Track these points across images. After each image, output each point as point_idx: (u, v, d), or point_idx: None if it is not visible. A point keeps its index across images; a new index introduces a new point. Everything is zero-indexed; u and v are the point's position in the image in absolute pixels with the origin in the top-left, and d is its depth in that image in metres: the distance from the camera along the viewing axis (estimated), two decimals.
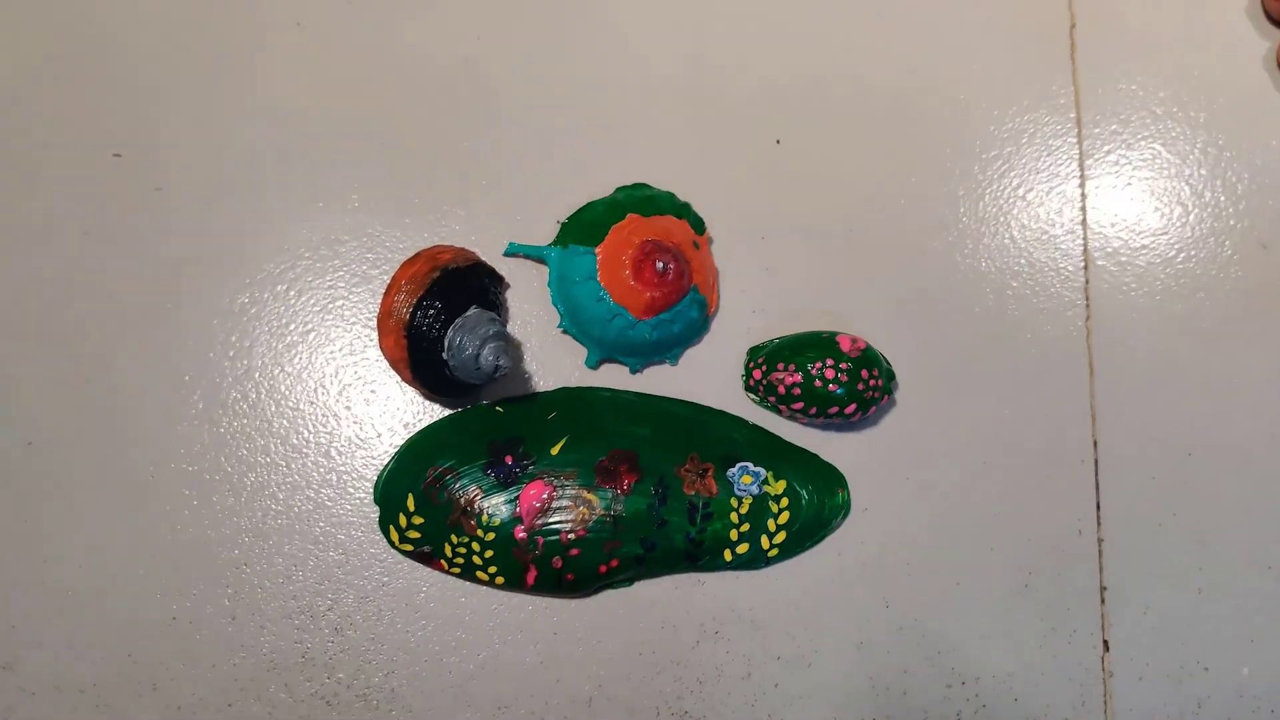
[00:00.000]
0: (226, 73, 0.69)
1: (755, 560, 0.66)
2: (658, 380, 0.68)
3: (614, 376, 0.68)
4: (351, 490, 0.66)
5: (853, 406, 0.65)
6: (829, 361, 0.65)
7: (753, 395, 0.68)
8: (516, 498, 0.65)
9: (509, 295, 0.68)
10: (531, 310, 0.68)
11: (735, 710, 0.66)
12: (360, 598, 0.65)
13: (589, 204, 0.68)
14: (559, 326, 0.67)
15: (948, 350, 0.69)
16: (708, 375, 0.69)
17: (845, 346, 0.65)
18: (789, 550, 0.67)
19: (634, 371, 0.68)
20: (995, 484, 0.68)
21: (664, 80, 0.71)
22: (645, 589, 0.66)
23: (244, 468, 0.66)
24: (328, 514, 0.66)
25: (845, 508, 0.67)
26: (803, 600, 0.67)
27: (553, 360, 0.68)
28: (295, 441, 0.66)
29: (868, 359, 0.65)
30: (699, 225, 0.69)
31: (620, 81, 0.70)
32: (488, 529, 0.64)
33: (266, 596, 0.65)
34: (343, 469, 0.66)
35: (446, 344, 0.62)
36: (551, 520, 0.64)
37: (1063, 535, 0.68)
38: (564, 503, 0.65)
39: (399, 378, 0.65)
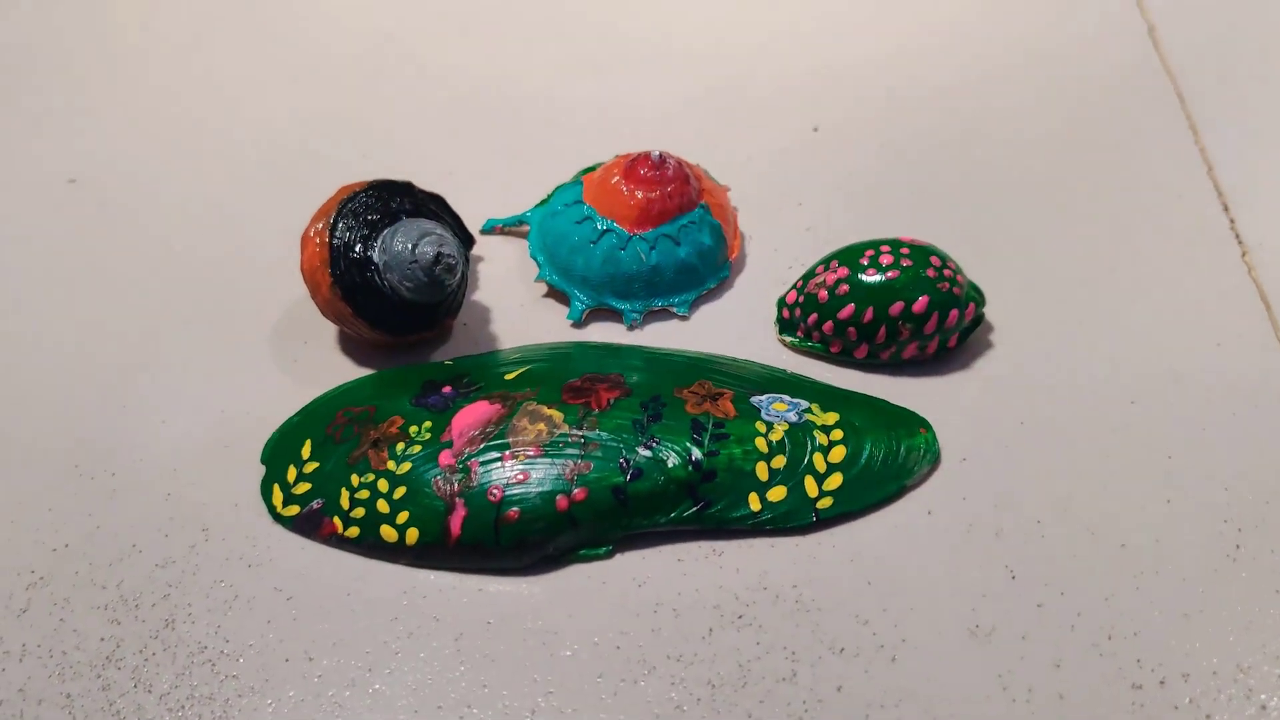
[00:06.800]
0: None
1: (797, 512, 0.43)
2: (663, 336, 0.52)
3: (607, 334, 0.52)
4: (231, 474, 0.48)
5: (924, 302, 0.47)
6: (884, 249, 0.48)
7: (790, 337, 0.50)
8: (449, 422, 0.45)
9: (481, 270, 0.55)
10: (508, 285, 0.55)
11: None
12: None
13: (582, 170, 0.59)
14: (538, 278, 0.53)
15: (1048, 284, 0.51)
16: (730, 333, 0.51)
17: (904, 239, 0.49)
18: (849, 499, 0.44)
19: (631, 324, 0.52)
20: (1160, 422, 0.46)
21: (681, 56, 0.63)
22: (631, 564, 0.43)
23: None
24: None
25: (932, 453, 0.45)
26: (876, 571, 0.42)
27: (530, 323, 0.53)
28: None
29: (934, 250, 0.48)
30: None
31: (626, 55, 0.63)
32: (402, 458, 0.45)
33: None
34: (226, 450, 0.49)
35: (379, 244, 0.48)
36: (494, 442, 0.44)
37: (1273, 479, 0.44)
38: (514, 422, 0.45)
39: (319, 303, 0.49)
